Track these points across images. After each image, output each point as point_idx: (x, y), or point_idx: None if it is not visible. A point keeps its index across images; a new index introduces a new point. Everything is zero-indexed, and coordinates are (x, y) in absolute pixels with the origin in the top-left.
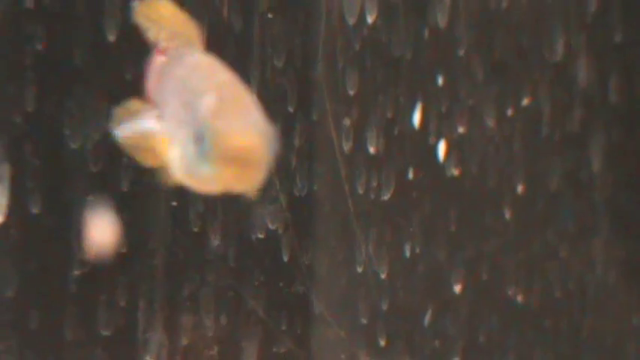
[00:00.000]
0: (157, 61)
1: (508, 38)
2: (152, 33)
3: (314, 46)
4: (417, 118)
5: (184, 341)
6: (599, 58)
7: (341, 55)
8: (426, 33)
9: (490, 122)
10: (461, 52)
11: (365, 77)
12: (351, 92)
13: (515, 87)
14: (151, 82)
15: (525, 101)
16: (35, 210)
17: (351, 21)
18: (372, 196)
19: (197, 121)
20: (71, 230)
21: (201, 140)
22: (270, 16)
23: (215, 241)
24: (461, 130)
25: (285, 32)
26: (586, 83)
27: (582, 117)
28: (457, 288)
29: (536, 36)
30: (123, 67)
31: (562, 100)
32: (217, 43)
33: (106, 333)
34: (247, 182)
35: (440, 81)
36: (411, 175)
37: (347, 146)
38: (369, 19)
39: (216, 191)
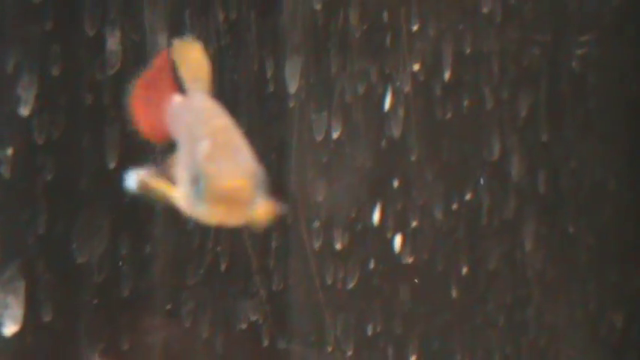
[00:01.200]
0: (176, 101)
1: (452, 143)
2: (180, 72)
3: (287, 160)
4: (376, 216)
5: None
6: (529, 155)
7: (310, 167)
8: (383, 143)
9: (438, 216)
10: (413, 158)
11: (331, 184)
12: (320, 198)
13: (459, 184)
14: (170, 121)
15: (468, 196)
16: (47, 318)
17: (319, 137)
18: (339, 286)
19: (195, 165)
20: (79, 333)
21: (198, 182)
22: None
23: (204, 333)
24: (413, 224)
25: (262, 149)
26: (518, 178)
27: (515, 206)
28: (412, 359)
29: (476, 140)
30: (121, 191)
31: (498, 193)
32: None
33: None
34: (236, 218)
35: (395, 183)
36: (371, 266)
37: (317, 245)
38: (335, 135)
39: (213, 224)
